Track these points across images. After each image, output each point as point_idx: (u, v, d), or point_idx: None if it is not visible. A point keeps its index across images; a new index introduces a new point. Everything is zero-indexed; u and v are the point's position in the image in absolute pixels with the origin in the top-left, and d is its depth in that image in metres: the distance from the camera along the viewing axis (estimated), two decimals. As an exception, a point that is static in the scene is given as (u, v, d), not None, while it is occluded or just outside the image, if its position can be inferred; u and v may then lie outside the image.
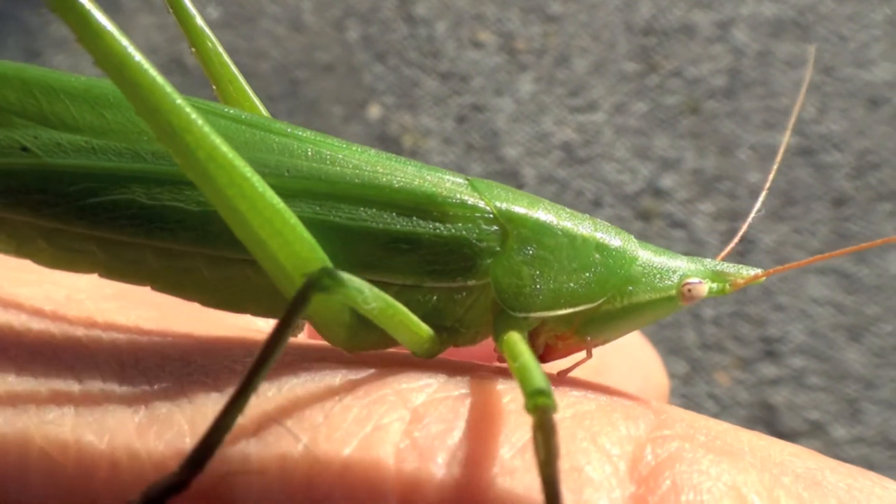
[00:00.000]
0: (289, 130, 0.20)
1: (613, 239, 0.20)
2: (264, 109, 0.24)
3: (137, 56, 0.18)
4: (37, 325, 0.22)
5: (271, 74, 1.28)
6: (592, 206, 1.20)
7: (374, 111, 1.25)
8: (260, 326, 0.27)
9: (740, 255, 1.16)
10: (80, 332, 0.22)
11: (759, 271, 0.21)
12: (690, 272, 0.20)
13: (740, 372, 1.09)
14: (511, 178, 1.21)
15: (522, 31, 1.33)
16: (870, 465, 1.04)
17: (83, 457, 0.19)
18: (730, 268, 0.21)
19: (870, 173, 1.21)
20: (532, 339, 0.20)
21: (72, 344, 0.22)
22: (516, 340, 0.18)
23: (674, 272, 0.20)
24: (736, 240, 0.23)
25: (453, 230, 0.18)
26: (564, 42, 1.32)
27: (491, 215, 0.19)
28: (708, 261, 0.21)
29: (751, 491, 0.19)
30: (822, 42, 1.31)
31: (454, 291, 0.19)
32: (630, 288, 0.20)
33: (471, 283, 0.19)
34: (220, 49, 0.24)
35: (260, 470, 0.18)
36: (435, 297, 0.19)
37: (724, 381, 1.09)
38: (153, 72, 0.18)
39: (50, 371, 0.20)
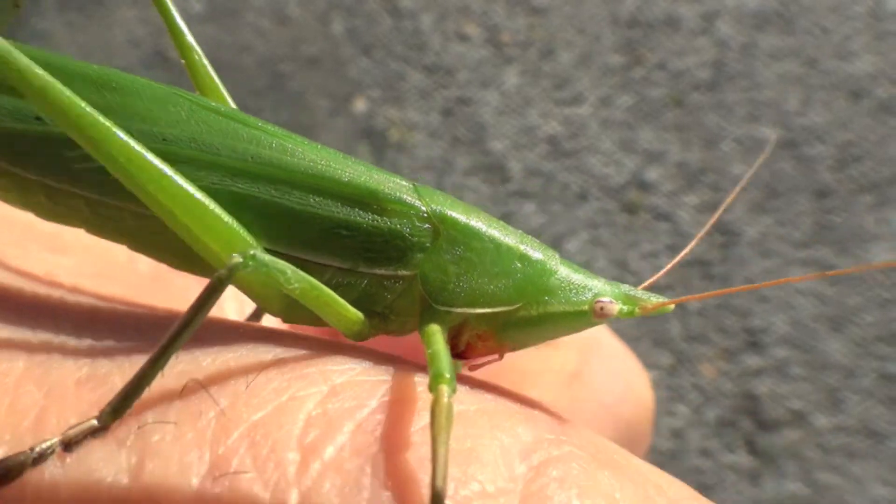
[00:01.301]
0: (259, 124, 0.23)
1: (536, 252, 0.22)
2: (231, 101, 0.26)
3: (58, 84, 0.20)
4: (15, 284, 0.25)
5: (256, 68, 1.27)
6: (578, 199, 1.20)
7: (360, 104, 1.25)
8: (225, 308, 0.30)
9: (724, 248, 1.18)
10: (48, 294, 0.25)
11: (668, 301, 0.22)
12: (604, 292, 0.22)
13: (725, 363, 1.10)
14: (497, 171, 1.22)
15: (508, 23, 1.33)
16: (851, 453, 1.05)
17: (19, 403, 0.20)
18: (642, 294, 0.22)
19: (852, 165, 1.23)
20: (456, 336, 0.22)
21: (37, 303, 0.24)
22: (435, 331, 0.20)
23: (589, 290, 0.22)
24: (691, 246, 0.24)
25: (389, 224, 0.21)
26: (550, 35, 1.32)
27: (425, 215, 0.21)
28: (624, 286, 0.22)
29: (625, 499, 0.20)
30: (805, 34, 1.32)
31: (384, 279, 0.21)
32: (546, 298, 0.21)
33: (400, 272, 0.21)
34: (196, 45, 0.25)
35: (175, 423, 0.19)
36: (366, 282, 0.21)
37: (708, 372, 1.10)
38: (74, 97, 0.20)
39: (14, 323, 0.22)
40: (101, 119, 0.19)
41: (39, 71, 0.20)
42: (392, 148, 1.22)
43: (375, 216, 0.21)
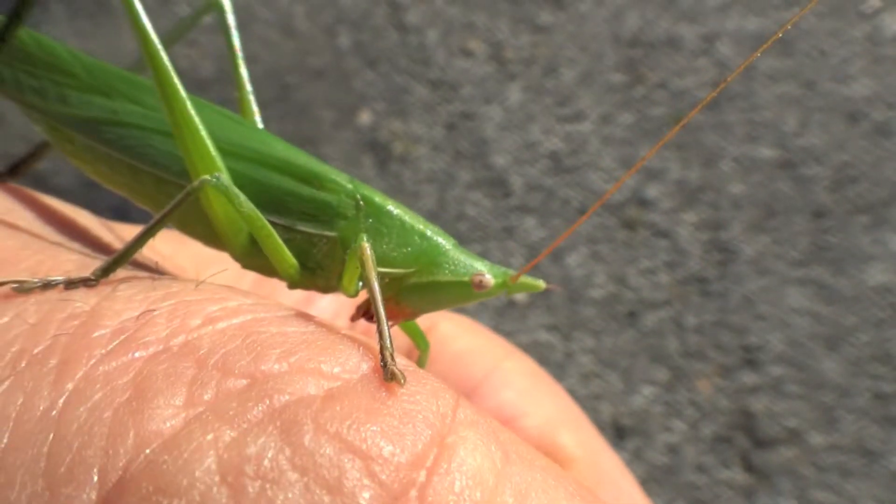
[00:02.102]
0: (237, 118, 0.30)
1: (434, 235, 0.28)
2: (255, 106, 0.34)
3: (161, 50, 0.28)
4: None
5: (263, 79, 1.28)
6: (579, 214, 1.22)
7: (365, 117, 1.26)
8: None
9: (722, 265, 1.19)
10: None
11: (541, 282, 0.28)
12: (483, 269, 0.27)
13: (721, 379, 1.11)
14: (499, 185, 1.23)
15: (512, 40, 1.34)
16: (846, 472, 1.06)
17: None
18: (523, 279, 0.28)
19: (848, 186, 1.24)
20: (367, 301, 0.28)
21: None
22: (353, 274, 0.27)
23: (471, 266, 0.27)
24: (549, 249, 0.29)
25: (323, 196, 0.27)
26: (553, 52, 1.34)
27: (350, 193, 0.27)
28: (505, 269, 0.28)
29: (504, 481, 0.21)
30: (804, 57, 1.34)
31: (314, 237, 0.27)
32: (435, 268, 0.27)
33: (326, 233, 0.27)
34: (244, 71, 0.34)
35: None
36: (300, 238, 0.27)
37: (705, 389, 1.11)
38: (166, 59, 0.28)
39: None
40: (173, 78, 0.28)
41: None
42: (395, 160, 1.23)
43: (314, 189, 0.28)
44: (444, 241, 0.28)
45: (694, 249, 1.19)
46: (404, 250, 0.27)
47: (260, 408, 0.19)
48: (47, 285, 0.22)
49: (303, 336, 0.22)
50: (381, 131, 1.25)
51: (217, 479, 0.17)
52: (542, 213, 1.21)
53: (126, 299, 0.21)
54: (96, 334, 0.20)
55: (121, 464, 0.17)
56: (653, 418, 1.09)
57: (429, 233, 0.28)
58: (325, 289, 0.29)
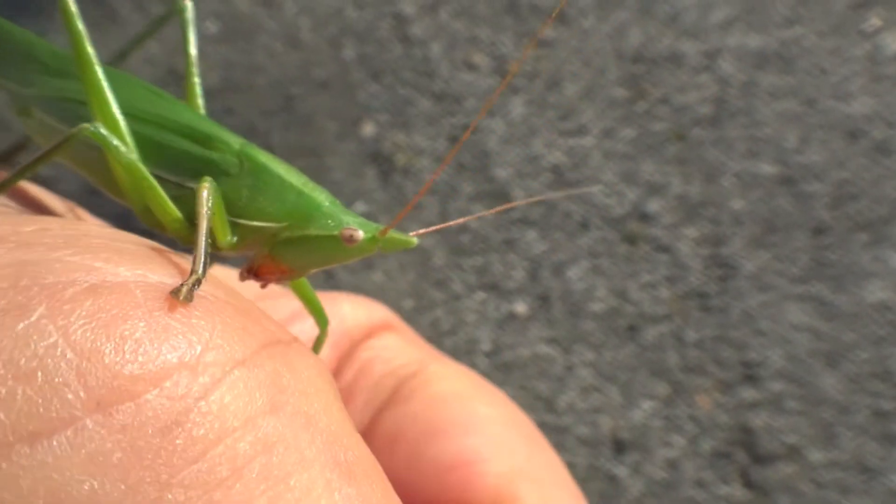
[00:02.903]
0: (156, 90, 0.32)
1: (313, 192, 0.28)
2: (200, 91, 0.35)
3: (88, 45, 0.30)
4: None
5: (267, 89, 1.29)
6: (580, 228, 1.22)
7: (368, 129, 1.27)
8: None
9: (722, 281, 1.19)
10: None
11: (413, 238, 0.28)
12: (354, 223, 0.28)
13: (721, 395, 1.11)
14: (501, 198, 1.23)
15: (515, 54, 1.35)
16: (844, 488, 1.06)
17: None
18: (392, 232, 0.28)
19: (848, 203, 1.25)
20: (251, 259, 0.29)
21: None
22: (221, 223, 0.28)
23: (342, 221, 0.28)
24: (408, 208, 0.28)
25: (210, 154, 0.29)
26: (556, 67, 1.35)
27: (237, 152, 0.29)
28: (378, 225, 0.29)
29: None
30: (804, 74, 1.35)
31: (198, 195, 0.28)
32: (306, 223, 0.27)
33: None
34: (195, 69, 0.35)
35: None
36: (188, 194, 0.28)
37: (704, 404, 1.11)
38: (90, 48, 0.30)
39: None
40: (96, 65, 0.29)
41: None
42: (398, 172, 1.23)
43: (204, 149, 0.29)
44: (321, 198, 0.28)
45: (695, 264, 1.20)
46: (279, 205, 0.28)
47: (22, 283, 0.17)
48: None
49: (118, 245, 0.20)
50: (384, 143, 1.25)
51: None
52: (543, 226, 1.22)
53: None
54: None
55: None
56: (652, 433, 1.09)
57: (306, 190, 0.28)
58: (213, 245, 0.29)
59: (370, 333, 0.36)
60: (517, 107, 1.31)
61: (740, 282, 1.19)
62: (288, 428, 0.18)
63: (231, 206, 0.28)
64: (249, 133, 1.24)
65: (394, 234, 0.28)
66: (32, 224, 0.20)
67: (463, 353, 1.11)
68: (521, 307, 1.15)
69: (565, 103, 1.31)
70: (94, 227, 0.22)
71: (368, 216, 0.31)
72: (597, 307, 1.16)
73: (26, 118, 0.34)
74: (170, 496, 0.16)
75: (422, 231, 0.29)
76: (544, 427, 1.11)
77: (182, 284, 0.19)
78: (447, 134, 1.27)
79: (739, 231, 1.22)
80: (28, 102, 0.33)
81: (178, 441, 0.16)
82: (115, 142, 0.27)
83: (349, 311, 0.36)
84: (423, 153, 1.25)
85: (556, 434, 1.09)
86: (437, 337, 1.12)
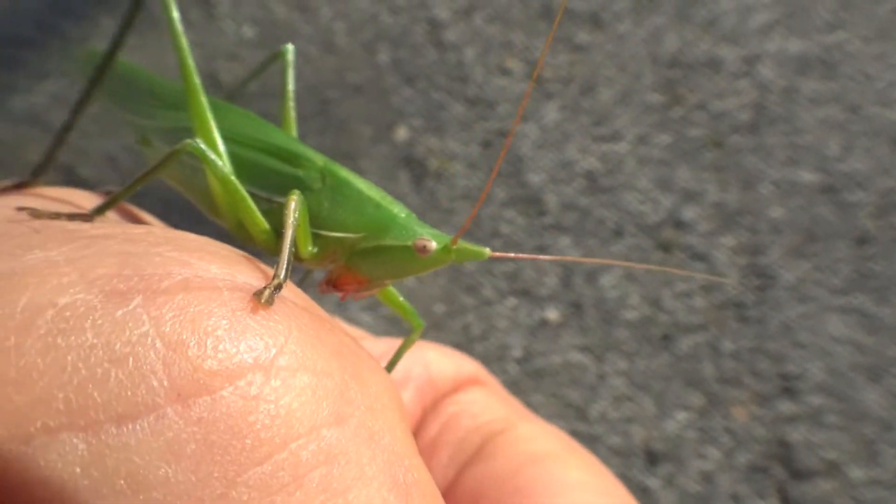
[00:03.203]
0: (247, 113, 0.35)
1: (390, 206, 0.29)
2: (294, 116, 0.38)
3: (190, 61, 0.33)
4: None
5: (303, 94, 1.30)
6: (614, 235, 1.20)
7: (402, 133, 1.27)
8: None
9: (760, 291, 1.17)
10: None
11: (486, 249, 0.28)
12: (427, 234, 0.28)
13: (757, 407, 1.09)
14: (534, 203, 1.23)
15: (549, 59, 1.35)
16: (887, 508, 1.02)
17: None
18: (462, 242, 0.29)
19: (893, 213, 1.21)
20: (327, 265, 0.30)
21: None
22: (304, 234, 0.29)
23: (416, 233, 0.28)
24: (468, 220, 0.29)
25: (297, 172, 0.30)
26: (591, 71, 1.34)
27: (320, 168, 0.30)
28: (449, 237, 0.29)
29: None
30: (848, 80, 1.32)
31: (285, 206, 0.29)
32: (382, 234, 0.28)
33: None
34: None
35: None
36: (276, 207, 0.30)
37: (740, 416, 1.08)
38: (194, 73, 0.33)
39: None
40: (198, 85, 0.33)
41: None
42: (431, 177, 1.23)
43: (290, 166, 0.31)
44: (397, 211, 0.29)
45: (732, 273, 1.17)
46: (357, 217, 0.29)
47: (125, 272, 0.18)
48: (56, 215, 0.24)
49: (211, 248, 0.21)
50: (417, 147, 1.26)
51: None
52: (577, 232, 1.20)
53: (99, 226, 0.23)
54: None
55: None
56: (686, 444, 1.07)
57: (384, 203, 0.29)
58: (296, 256, 0.31)
59: (457, 387, 0.35)
60: (551, 112, 1.30)
61: (779, 292, 1.16)
62: (351, 441, 0.18)
63: (313, 218, 0.29)
64: (284, 137, 1.25)
65: (465, 244, 0.28)
66: (139, 228, 0.22)
67: (494, 360, 1.10)
68: (552, 314, 1.14)
69: (600, 108, 1.30)
70: (190, 234, 0.24)
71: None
72: (630, 315, 1.14)
73: (146, 147, 0.37)
74: (234, 494, 0.16)
75: (498, 254, 0.29)
76: (575, 436, 1.10)
77: (265, 287, 0.20)
78: (480, 139, 1.27)
79: (778, 240, 1.20)
80: (148, 133, 0.36)
81: (246, 440, 0.17)
82: (213, 156, 0.29)
83: (434, 358, 0.36)
84: (455, 158, 1.24)
85: (588, 443, 1.08)
86: (467, 342, 1.11)
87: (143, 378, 0.16)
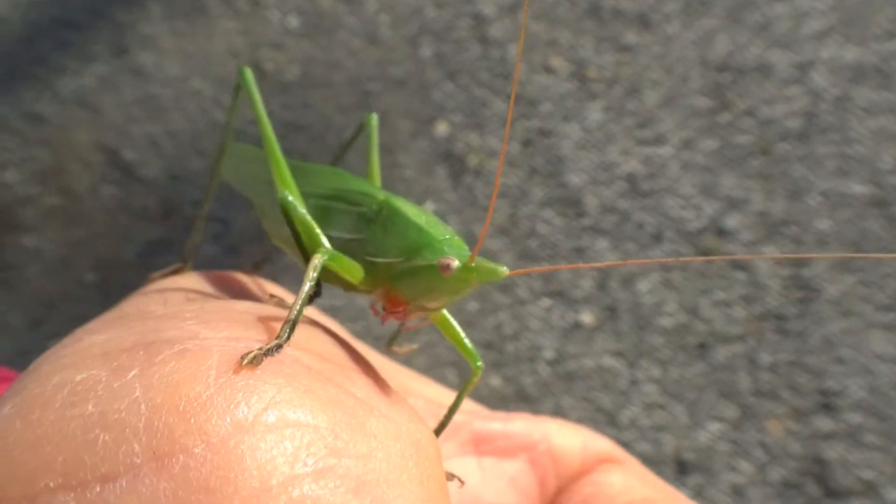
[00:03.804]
0: (325, 168, 0.37)
1: (430, 228, 0.30)
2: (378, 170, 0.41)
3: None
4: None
5: (345, 85, 1.31)
6: (653, 240, 1.19)
7: (442, 128, 1.27)
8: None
9: (802, 304, 1.14)
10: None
11: (503, 268, 0.28)
12: (450, 253, 0.29)
13: (794, 423, 1.06)
14: (573, 205, 1.21)
15: (595, 59, 1.33)
16: (925, 533, 1.00)
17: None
18: (481, 261, 0.29)
19: (946, 230, 1.17)
20: (382, 297, 0.31)
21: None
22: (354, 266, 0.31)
23: (444, 252, 0.29)
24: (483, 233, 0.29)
25: (361, 209, 0.32)
26: (637, 73, 1.32)
27: (379, 202, 0.32)
28: (485, 262, 0.29)
29: None
30: (905, 91, 1.28)
31: (353, 241, 0.32)
32: (417, 255, 0.29)
33: (357, 236, 0.32)
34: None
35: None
36: (344, 244, 0.32)
37: (775, 431, 1.06)
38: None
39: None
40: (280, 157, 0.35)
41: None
42: (469, 173, 1.23)
43: (356, 206, 0.33)
44: (437, 233, 0.30)
45: (773, 284, 1.15)
46: (401, 242, 0.30)
47: (136, 348, 0.20)
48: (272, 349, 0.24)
49: (236, 315, 0.23)
50: (456, 143, 1.25)
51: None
52: (615, 236, 1.19)
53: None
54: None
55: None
56: (718, 456, 1.05)
57: (427, 228, 0.30)
58: (350, 286, 0.33)
59: (589, 466, 0.34)
60: (594, 112, 1.28)
61: (821, 306, 1.13)
62: (330, 493, 0.18)
63: (367, 246, 0.31)
64: (325, 128, 1.26)
65: (481, 261, 0.28)
66: (200, 304, 0.24)
67: (525, 360, 1.10)
68: (587, 317, 1.13)
69: (644, 111, 1.28)
70: (245, 304, 0.25)
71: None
72: (666, 322, 1.12)
73: (262, 217, 0.39)
74: None
75: (516, 272, 0.29)
76: (605, 442, 1.09)
77: (259, 348, 0.21)
78: (521, 137, 1.25)
79: (824, 252, 1.17)
80: (265, 208, 0.39)
81: (216, 495, 0.17)
82: (290, 198, 0.31)
83: (556, 430, 0.35)
84: (495, 155, 1.24)
85: (617, 450, 1.06)
86: (499, 341, 1.11)
87: (125, 440, 0.18)
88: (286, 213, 0.31)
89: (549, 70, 1.32)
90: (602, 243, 1.18)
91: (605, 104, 1.28)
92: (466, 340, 0.32)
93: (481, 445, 0.34)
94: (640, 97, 1.29)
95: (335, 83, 1.30)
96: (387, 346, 0.38)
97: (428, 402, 0.35)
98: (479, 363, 0.32)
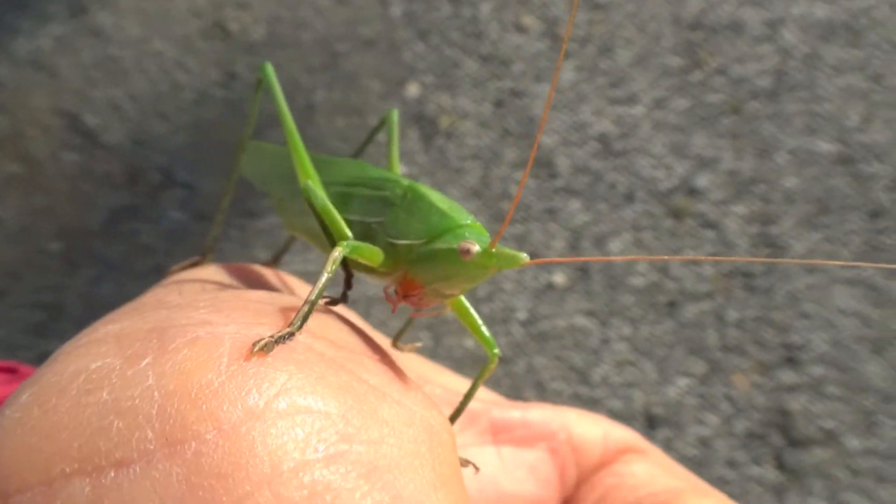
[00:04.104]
0: (349, 161, 0.38)
1: (452, 213, 0.30)
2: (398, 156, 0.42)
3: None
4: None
5: (312, 45, 1.28)
6: (625, 200, 1.19)
7: (413, 90, 1.25)
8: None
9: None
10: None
11: (524, 255, 0.28)
12: (471, 238, 0.28)
13: (759, 376, 1.09)
14: (545, 166, 1.21)
15: (567, 17, 1.31)
16: (881, 478, 1.04)
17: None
18: (502, 249, 0.29)
19: (909, 186, 1.20)
20: (399, 282, 0.31)
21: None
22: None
23: (465, 237, 0.29)
24: (505, 223, 0.29)
25: (384, 193, 0.33)
26: (609, 32, 1.30)
27: (403, 187, 0.32)
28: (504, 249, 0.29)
29: None
30: (873, 49, 1.28)
31: (375, 223, 0.32)
32: (437, 238, 0.29)
33: (378, 219, 0.32)
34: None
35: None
36: (367, 226, 0.32)
37: (741, 385, 1.09)
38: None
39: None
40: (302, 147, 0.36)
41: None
42: (441, 135, 1.22)
43: (381, 191, 0.33)
44: (458, 218, 0.30)
45: (741, 242, 1.17)
46: (423, 225, 0.30)
47: (149, 336, 0.20)
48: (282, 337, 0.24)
49: (251, 305, 0.23)
50: (428, 105, 1.24)
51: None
52: (588, 196, 1.19)
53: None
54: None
55: None
56: (686, 410, 1.08)
57: (449, 212, 0.30)
58: (370, 270, 0.33)
59: (611, 456, 0.34)
60: (566, 72, 1.27)
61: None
62: (341, 478, 0.19)
63: (389, 228, 0.31)
64: (294, 89, 1.23)
65: (502, 249, 0.28)
66: (213, 294, 0.25)
67: (499, 321, 1.11)
68: (559, 278, 1.14)
69: (617, 70, 1.27)
70: (259, 293, 0.26)
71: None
72: (637, 281, 1.14)
73: (280, 210, 0.40)
74: None
75: (539, 261, 0.29)
76: (577, 399, 1.11)
77: (270, 336, 0.21)
78: (493, 98, 1.24)
79: (791, 210, 1.18)
80: (284, 202, 0.40)
81: (228, 480, 0.18)
82: (310, 185, 0.32)
83: (575, 420, 0.34)
84: (467, 116, 1.22)
85: (589, 406, 1.09)
86: (474, 303, 1.11)
87: (139, 427, 0.18)
88: (309, 201, 0.31)
89: (520, 29, 1.30)
90: (574, 204, 1.19)
91: (578, 63, 1.28)
92: (483, 328, 0.31)
93: (500, 434, 0.34)
94: (613, 56, 1.28)
95: (302, 43, 1.27)
96: (392, 342, 0.38)
97: (445, 389, 0.35)
98: (496, 350, 0.31)
